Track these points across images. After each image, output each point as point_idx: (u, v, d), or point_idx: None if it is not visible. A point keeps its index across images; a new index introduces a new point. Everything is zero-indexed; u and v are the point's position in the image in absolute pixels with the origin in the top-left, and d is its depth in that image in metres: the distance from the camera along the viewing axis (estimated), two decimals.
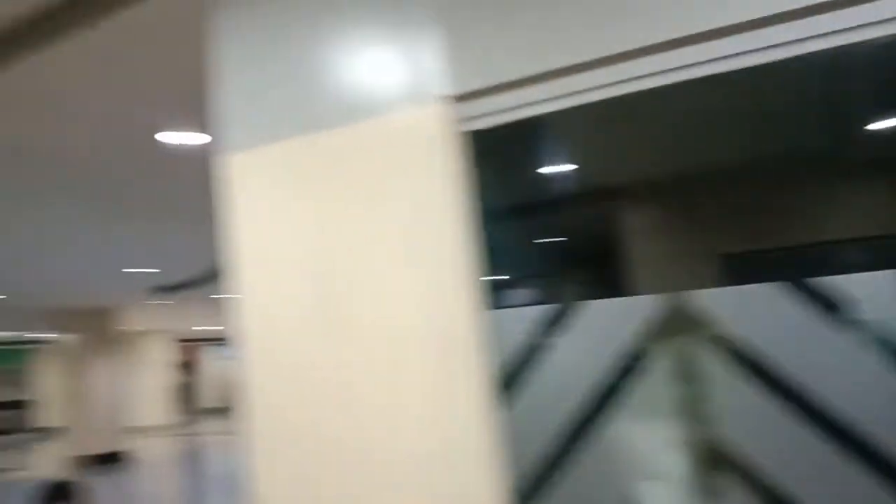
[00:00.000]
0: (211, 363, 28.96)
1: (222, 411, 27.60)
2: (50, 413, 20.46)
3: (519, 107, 1.86)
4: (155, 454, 14.99)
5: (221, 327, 20.97)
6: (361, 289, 1.86)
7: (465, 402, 1.71)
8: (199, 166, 4.41)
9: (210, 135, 3.78)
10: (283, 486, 1.95)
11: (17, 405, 22.39)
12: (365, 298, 1.85)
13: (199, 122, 3.72)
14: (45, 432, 20.82)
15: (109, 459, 12.90)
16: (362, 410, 1.83)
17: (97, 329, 13.47)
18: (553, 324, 1.83)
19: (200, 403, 27.91)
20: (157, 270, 9.23)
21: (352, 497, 1.83)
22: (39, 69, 2.84)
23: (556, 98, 1.81)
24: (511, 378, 1.85)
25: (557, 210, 3.10)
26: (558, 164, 2.97)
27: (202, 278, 9.75)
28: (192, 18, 2.52)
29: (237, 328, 2.07)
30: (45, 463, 14.80)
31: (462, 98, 1.85)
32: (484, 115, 1.88)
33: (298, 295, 1.96)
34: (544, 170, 2.97)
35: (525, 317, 1.87)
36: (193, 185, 5.01)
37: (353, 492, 1.83)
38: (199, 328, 20.88)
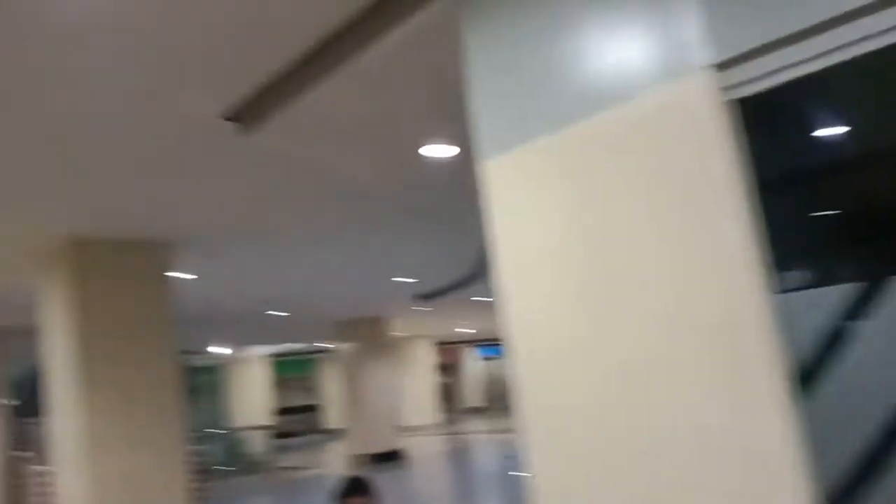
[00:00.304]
0: (471, 364, 30.26)
1: (484, 410, 28.67)
2: (334, 415, 22.75)
3: (786, 67, 1.66)
4: (425, 452, 15.96)
5: (477, 330, 21.82)
6: (631, 280, 1.77)
7: (759, 395, 1.55)
8: (455, 176, 4.61)
9: (464, 145, 3.92)
10: (565, 484, 1.93)
11: (307, 409, 25.22)
12: (636, 290, 1.77)
13: (454, 134, 3.88)
14: (331, 433, 23.18)
15: (387, 457, 13.95)
16: (641, 406, 1.75)
17: (370, 337, 14.67)
18: (858, 305, 1.60)
19: (463, 403, 29.26)
20: (416, 280, 9.83)
21: (638, 497, 1.75)
22: (323, 97, 3.13)
23: (827, 53, 1.59)
24: (810, 368, 1.65)
25: (834, 178, 2.75)
26: (831, 127, 2.64)
27: (458, 283, 10.20)
28: (445, 36, 2.62)
29: (504, 328, 2.10)
30: (334, 461, 16.44)
31: (725, 65, 1.70)
32: (749, 80, 1.71)
33: (562, 290, 1.93)
34: (817, 135, 2.66)
35: (818, 299, 1.66)
36: (449, 194, 5.25)
37: (640, 491, 1.75)
38: (459, 331, 21.92)
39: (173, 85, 3.07)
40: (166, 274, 5.84)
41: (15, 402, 10.69)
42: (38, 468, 8.97)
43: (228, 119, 3.45)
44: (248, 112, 3.40)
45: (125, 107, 3.25)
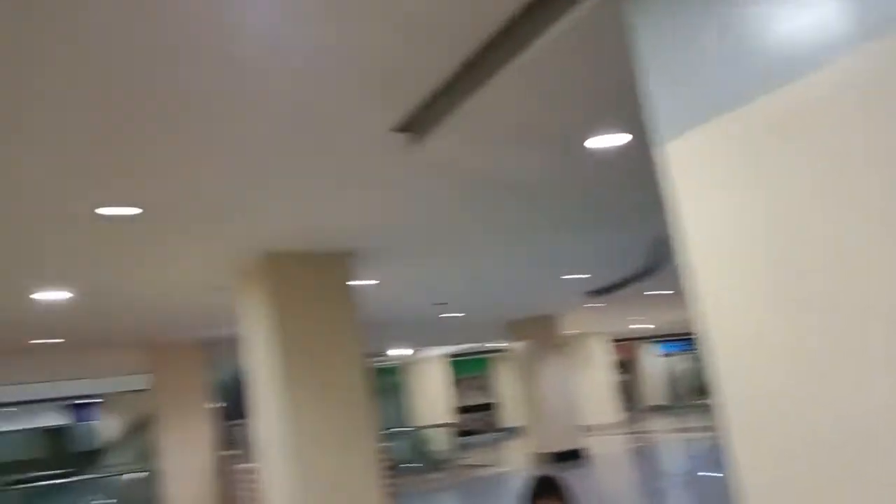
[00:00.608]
0: (650, 361, 29.29)
1: (666, 408, 27.61)
2: (510, 414, 22.91)
3: None
4: (606, 451, 15.63)
5: (655, 325, 21.08)
6: (847, 265, 1.61)
7: None
8: (626, 166, 4.47)
9: (637, 132, 3.79)
10: (772, 483, 1.78)
11: (484, 408, 25.60)
12: (852, 275, 1.60)
13: (622, 122, 3.77)
14: (508, 431, 23.36)
15: (568, 456, 13.80)
16: (857, 402, 1.58)
17: (542, 335, 14.64)
18: None
19: (643, 401, 28.36)
20: (587, 276, 9.66)
21: (852, 497, 1.58)
22: (487, 99, 3.14)
23: None
24: None
25: None
26: None
27: (632, 277, 9.90)
28: (607, 22, 2.54)
29: (698, 321, 1.98)
30: (514, 459, 16.54)
31: None
32: None
33: (764, 278, 1.79)
34: None
35: None
36: (620, 185, 5.11)
37: (853, 491, 1.58)
38: (635, 327, 21.29)
39: (348, 102, 3.22)
40: (350, 282, 6.16)
41: (222, 405, 11.75)
42: (244, 466, 9.80)
43: (400, 130, 3.57)
44: (417, 122, 3.48)
45: (305, 127, 3.45)
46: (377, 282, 7.64)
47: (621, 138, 4.00)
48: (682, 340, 28.64)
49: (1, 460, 19.01)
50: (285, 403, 5.64)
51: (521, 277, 9.16)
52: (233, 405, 11.68)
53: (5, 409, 18.72)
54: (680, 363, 30.12)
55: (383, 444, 6.68)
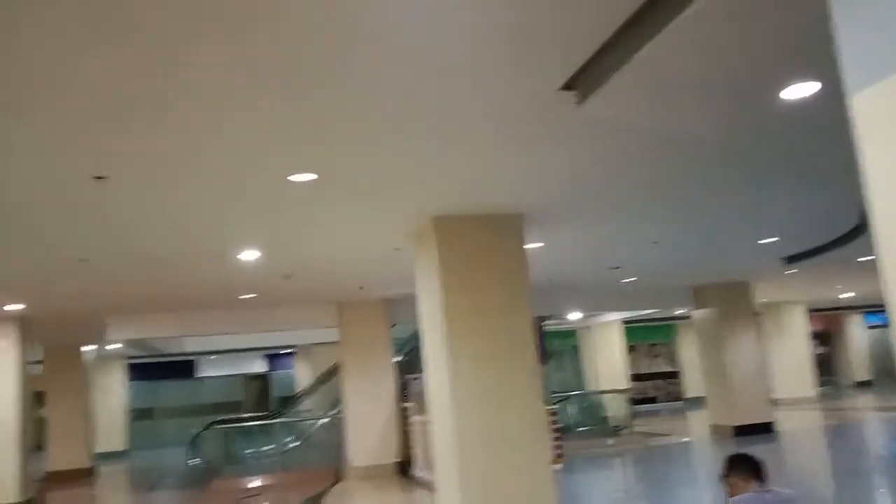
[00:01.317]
0: (855, 333, 26.80)
1: (871, 384, 25.24)
2: (693, 384, 21.98)
3: None
4: (798, 427, 14.58)
5: (859, 294, 19.18)
6: None
7: None
8: (820, 119, 4.02)
9: (828, 79, 3.38)
10: None
11: (665, 376, 24.81)
12: None
13: (814, 70, 3.38)
14: (689, 402, 22.48)
15: (754, 430, 13.03)
16: None
17: (732, 302, 13.81)
18: None
19: (846, 376, 26.09)
20: (782, 239, 8.94)
21: None
22: (657, 54, 2.95)
23: None
24: None
25: None
26: None
27: (834, 241, 9.03)
28: None
29: (887, 289, 1.75)
30: (693, 430, 15.91)
31: None
32: None
33: None
34: None
35: None
36: (814, 141, 4.63)
37: None
38: (841, 296, 19.51)
39: (517, 63, 3.17)
40: (519, 243, 6.15)
41: (400, 360, 12.32)
42: (419, 418, 10.25)
43: (568, 89, 3.46)
44: (584, 80, 3.36)
45: (475, 91, 3.45)
46: (542, 244, 7.54)
47: (813, 87, 3.59)
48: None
49: (210, 402, 21.45)
50: (451, 361, 5.79)
51: (703, 241, 8.66)
52: (409, 360, 12.23)
53: (215, 357, 21.01)
54: (887, 335, 27.29)
55: (553, 407, 6.67)
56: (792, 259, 10.64)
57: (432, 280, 6.14)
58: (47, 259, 6.52)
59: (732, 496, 3.24)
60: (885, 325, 26.86)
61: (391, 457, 11.18)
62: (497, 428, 5.77)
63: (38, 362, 13.77)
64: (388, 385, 11.48)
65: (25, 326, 10.28)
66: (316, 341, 16.43)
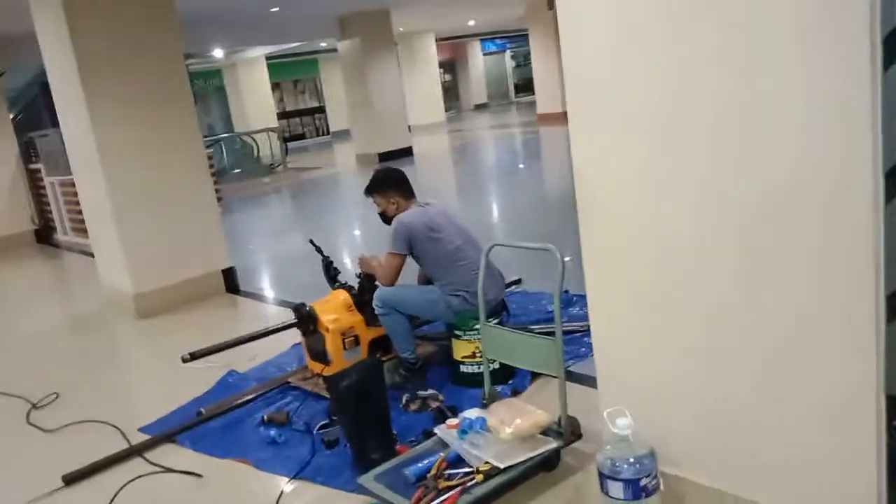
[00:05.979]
0: (476, 60, 29.52)
1: (486, 106, 28.69)
2: (338, 118, 22.74)
3: None
4: (431, 150, 16.24)
5: (478, 22, 20.81)
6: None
7: None
8: None
9: None
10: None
11: (311, 112, 25.19)
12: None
13: None
14: (337, 134, 23.42)
15: (396, 156, 14.21)
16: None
17: (375, 32, 14.02)
18: None
19: (467, 100, 29.15)
20: None
21: None
22: None
23: None
24: None
25: None
26: None
27: None
28: None
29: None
30: (341, 161, 16.81)
31: None
32: None
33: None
34: None
35: None
36: None
37: None
38: (470, 23, 20.85)
39: None
40: None
41: (16, 116, 10.59)
42: (53, 179, 9.20)
43: None
44: None
45: None
46: None
47: None
48: (506, 38, 28.91)
49: None
50: (89, 112, 5.10)
51: None
52: (31, 115, 10.60)
53: None
54: (501, 61, 30.71)
55: (206, 151, 6.42)
56: None
57: (56, 14, 5.08)
58: None
59: (395, 214, 3.52)
60: (499, 51, 30.07)
61: (26, 224, 10.01)
62: (153, 178, 5.40)
63: None
64: (6, 146, 9.86)
65: None
66: None
